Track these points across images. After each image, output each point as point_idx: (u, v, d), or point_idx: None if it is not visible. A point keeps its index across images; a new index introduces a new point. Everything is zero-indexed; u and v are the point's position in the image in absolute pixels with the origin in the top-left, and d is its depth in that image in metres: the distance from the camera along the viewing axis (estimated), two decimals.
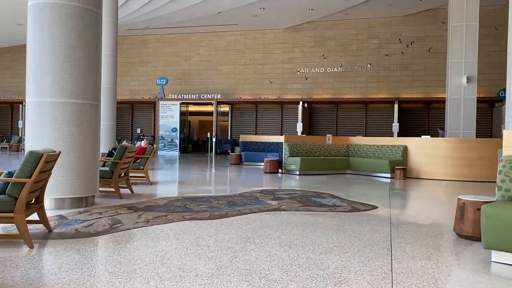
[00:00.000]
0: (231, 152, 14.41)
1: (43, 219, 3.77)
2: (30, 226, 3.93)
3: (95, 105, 5.19)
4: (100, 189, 6.35)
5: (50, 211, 4.76)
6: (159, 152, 20.78)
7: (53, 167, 3.69)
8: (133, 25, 20.54)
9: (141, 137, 22.87)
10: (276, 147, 12.48)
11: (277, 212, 5.05)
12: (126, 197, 5.98)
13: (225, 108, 22.34)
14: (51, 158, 3.49)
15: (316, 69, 20.95)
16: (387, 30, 20.13)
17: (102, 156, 6.81)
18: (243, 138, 13.86)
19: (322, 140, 11.37)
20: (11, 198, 3.20)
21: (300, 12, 18.75)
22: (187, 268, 2.83)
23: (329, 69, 20.78)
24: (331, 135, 11.43)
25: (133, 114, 23.80)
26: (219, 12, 18.56)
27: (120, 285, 2.48)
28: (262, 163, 12.17)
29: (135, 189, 6.83)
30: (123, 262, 2.95)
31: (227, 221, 4.47)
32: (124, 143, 7.65)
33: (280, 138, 11.40)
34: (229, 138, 22.03)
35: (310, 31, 20.96)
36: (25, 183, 3.16)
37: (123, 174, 6.36)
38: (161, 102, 20.98)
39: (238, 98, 21.12)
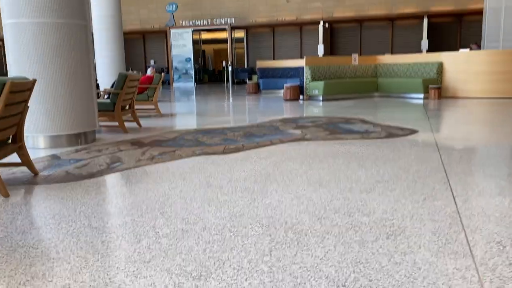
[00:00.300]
0: (248, 81, 13.54)
1: (26, 161, 3.18)
2: (13, 170, 3.37)
3: (82, 25, 4.40)
4: (103, 124, 5.75)
5: (44, 151, 4.20)
6: (174, 84, 20.04)
7: (27, 99, 3.02)
8: None
9: (148, 65, 22.06)
10: (297, 72, 11.55)
11: (301, 143, 4.37)
12: (133, 132, 5.38)
13: (240, 34, 21.04)
14: (21, 88, 2.81)
15: None
16: None
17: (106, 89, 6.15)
18: (260, 64, 12.91)
19: (347, 61, 10.36)
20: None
21: None
22: (192, 219, 2.22)
23: None
24: (357, 55, 10.39)
25: (145, 45, 22.78)
26: None
27: (102, 246, 1.88)
28: (282, 91, 11.36)
29: (144, 122, 6.22)
30: (113, 212, 2.35)
31: (244, 155, 3.82)
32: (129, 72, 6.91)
33: (300, 62, 10.44)
34: (245, 66, 20.99)
35: None
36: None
37: (127, 107, 5.71)
38: (172, 31, 19.83)
39: (253, 21, 19.74)
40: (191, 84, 19.84)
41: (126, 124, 5.86)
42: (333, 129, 5.20)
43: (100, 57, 11.35)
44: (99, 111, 5.09)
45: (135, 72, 7.69)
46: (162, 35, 21.72)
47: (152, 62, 22.40)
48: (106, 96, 6.55)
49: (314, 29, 19.39)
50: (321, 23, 18.32)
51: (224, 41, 21.56)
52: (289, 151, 3.95)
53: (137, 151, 4.07)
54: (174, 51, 20.00)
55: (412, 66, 9.82)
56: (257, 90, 12.59)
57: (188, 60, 19.92)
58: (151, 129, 5.57)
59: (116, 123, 5.40)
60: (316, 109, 7.93)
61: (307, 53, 19.90)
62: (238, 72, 20.13)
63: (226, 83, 19.77)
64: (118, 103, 5.14)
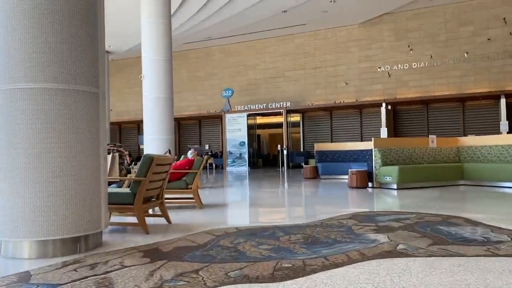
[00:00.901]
0: (305, 165, 12.24)
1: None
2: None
3: (93, 93, 3.39)
4: (120, 220, 4.55)
5: (27, 262, 2.99)
6: (228, 168, 19.20)
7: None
8: (195, 35, 19.37)
9: (208, 153, 21.56)
10: (360, 155, 10.14)
11: (395, 260, 2.84)
12: (157, 230, 4.11)
13: (296, 118, 20.28)
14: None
15: (399, 65, 18.22)
16: (483, 13, 16.93)
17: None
18: (319, 147, 11.67)
19: (422, 143, 8.82)
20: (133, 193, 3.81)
21: (377, 2, 16.27)
22: None
23: (414, 65, 17.95)
24: (435, 136, 8.85)
25: (201, 130, 22.61)
26: (284, 11, 16.69)
27: None
28: (344, 176, 9.89)
29: (177, 217, 4.96)
30: None
31: (306, 285, 2.36)
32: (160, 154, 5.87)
33: (366, 145, 9.09)
34: (301, 150, 19.89)
35: (389, 23, 18.35)
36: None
37: (155, 198, 4.52)
38: (227, 115, 19.48)
39: (310, 104, 18.96)
40: (245, 168, 18.89)
41: (153, 219, 4.62)
42: (433, 234, 3.62)
43: (149, 139, 10.68)
44: (113, 204, 3.92)
45: (168, 153, 6.81)
46: (218, 120, 21.48)
47: (206, 147, 21.99)
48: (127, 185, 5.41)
49: (375, 111, 18.20)
50: (384, 105, 17.12)
51: (279, 125, 20.86)
52: (381, 278, 2.43)
53: (144, 267, 2.74)
54: (229, 135, 19.46)
55: (507, 149, 8.09)
56: (315, 175, 11.21)
57: (242, 144, 19.21)
58: (181, 227, 4.28)
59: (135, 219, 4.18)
60: (393, 201, 6.34)
61: (367, 137, 18.52)
62: (293, 156, 19.01)
63: (281, 167, 18.62)
64: (140, 195, 3.95)
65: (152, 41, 10.76)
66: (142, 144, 23.83)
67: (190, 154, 6.34)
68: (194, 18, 15.59)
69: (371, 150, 8.34)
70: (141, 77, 10.73)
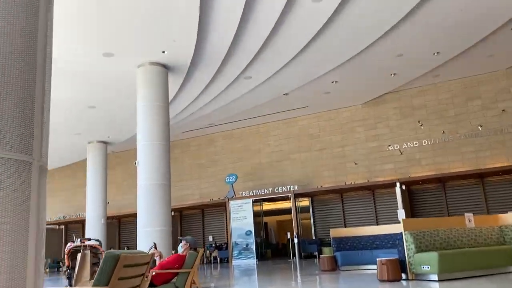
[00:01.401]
0: (321, 255, 10.88)
1: None
2: None
3: (23, 161, 2.42)
4: None
5: None
6: (234, 262, 17.60)
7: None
8: (196, 123, 19.01)
9: (212, 245, 20.03)
10: (384, 240, 8.89)
11: None
12: None
13: (305, 203, 19.13)
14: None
15: (409, 143, 17.51)
16: (491, 86, 16.61)
17: None
18: (336, 233, 10.43)
19: (457, 223, 7.64)
20: None
21: (380, 80, 16.03)
22: None
23: (425, 142, 17.24)
24: (471, 215, 7.69)
25: (204, 220, 21.33)
26: (285, 94, 16.42)
27: None
28: (368, 266, 8.55)
29: None
30: None
31: None
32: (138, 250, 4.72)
33: (391, 228, 7.93)
34: (313, 237, 18.43)
35: (394, 102, 18.01)
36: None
37: None
38: (231, 202, 18.36)
39: (319, 187, 17.92)
40: (253, 261, 17.29)
41: None
42: None
43: (143, 232, 9.51)
44: None
45: (153, 249, 5.63)
46: (221, 208, 20.33)
47: (210, 238, 20.54)
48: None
49: (388, 192, 17.13)
50: (398, 184, 16.07)
51: (287, 211, 19.63)
52: None
53: None
54: (234, 224, 18.15)
55: None
56: (334, 266, 9.80)
57: (248, 233, 17.83)
58: None
59: None
60: None
61: (383, 219, 17.22)
62: (305, 244, 17.50)
63: (292, 257, 17.04)
64: None
65: (147, 124, 10.12)
66: None
67: (180, 248, 5.19)
68: (193, 104, 15.22)
69: (400, 234, 7.14)
70: (135, 163, 9.91)
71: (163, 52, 9.81)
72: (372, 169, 17.82)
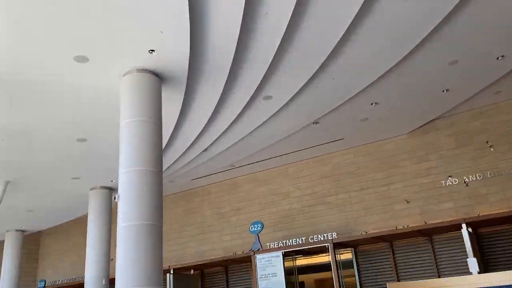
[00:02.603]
0: None
1: None
2: None
3: None
4: None
5: None
6: None
7: None
8: (214, 164, 16.63)
9: None
10: None
11: None
12: None
13: (347, 255, 15.84)
14: None
15: (470, 176, 14.32)
16: None
17: None
18: None
19: None
20: None
21: (429, 100, 13.30)
22: None
23: (490, 174, 14.02)
24: None
25: (228, 278, 18.25)
26: (315, 123, 13.89)
27: None
28: None
29: None
30: None
31: None
32: None
33: (499, 277, 4.92)
34: None
35: (447, 128, 15.07)
36: None
37: None
38: (257, 256, 15.36)
39: (363, 233, 14.72)
40: None
41: None
42: None
43: None
44: None
45: None
46: (247, 264, 17.29)
47: None
48: None
49: (450, 237, 13.82)
50: (464, 226, 12.74)
51: (326, 267, 16.30)
52: None
53: None
54: (262, 284, 15.03)
55: None
56: None
57: None
58: None
59: None
60: None
61: (445, 271, 13.70)
62: None
63: None
64: None
65: (133, 145, 7.73)
66: None
67: None
68: (204, 136, 12.86)
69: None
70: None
71: (151, 51, 7.61)
72: (427, 209, 14.60)
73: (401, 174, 15.41)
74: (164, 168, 15.00)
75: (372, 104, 13.04)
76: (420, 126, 15.34)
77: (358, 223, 15.60)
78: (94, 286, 14.06)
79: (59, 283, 21.05)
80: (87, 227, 15.17)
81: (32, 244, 23.90)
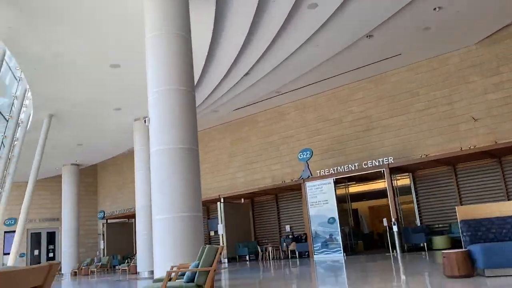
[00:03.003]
0: (444, 251, 6.83)
1: None
2: None
3: None
4: None
5: None
6: (315, 257, 14.02)
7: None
8: (261, 91, 15.65)
9: (289, 236, 16.61)
10: None
11: None
12: None
13: (404, 180, 14.84)
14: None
15: None
16: None
17: None
18: (465, 213, 6.34)
19: None
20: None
21: (499, 4, 11.23)
22: None
23: None
24: None
25: (279, 207, 17.99)
26: (368, 36, 12.34)
27: None
28: None
29: None
30: None
31: None
32: None
33: None
34: (419, 223, 14.12)
35: None
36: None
37: None
38: (307, 184, 14.74)
39: (423, 156, 13.51)
40: (340, 256, 13.56)
41: None
42: None
43: (157, 220, 6.38)
44: None
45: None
46: (297, 192, 16.80)
47: (287, 228, 17.14)
48: None
49: None
50: None
51: (381, 194, 15.50)
52: None
53: None
54: (313, 211, 14.53)
55: None
56: (469, 269, 5.77)
57: (332, 221, 14.10)
58: None
59: None
60: None
61: None
62: (408, 233, 13.27)
63: (392, 251, 12.99)
64: None
65: (161, 61, 6.89)
66: (214, 229, 19.78)
67: None
68: (243, 56, 11.75)
69: None
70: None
71: None
72: (497, 128, 13.01)
73: (468, 90, 13.71)
74: (204, 97, 14.28)
75: (435, 9, 11.23)
76: (490, 35, 13.29)
77: (417, 146, 14.35)
78: (144, 214, 14.22)
79: (116, 213, 21.92)
80: (134, 158, 15.15)
81: (90, 178, 24.87)
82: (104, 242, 21.15)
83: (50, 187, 23.03)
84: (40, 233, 22.62)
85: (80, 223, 22.64)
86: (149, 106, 6.81)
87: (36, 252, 22.37)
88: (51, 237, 22.73)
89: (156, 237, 6.34)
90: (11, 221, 21.51)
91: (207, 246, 3.93)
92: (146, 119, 6.61)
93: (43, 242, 22.61)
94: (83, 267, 18.13)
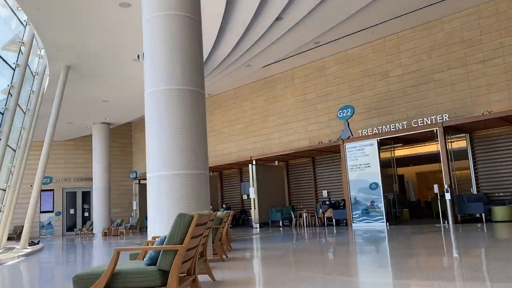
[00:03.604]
0: (485, 218, 5.26)
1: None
2: None
3: None
4: None
5: None
6: (354, 225, 12.69)
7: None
8: (298, 42, 13.98)
9: (326, 202, 15.29)
10: None
11: None
12: None
13: (460, 143, 12.97)
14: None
15: None
16: None
17: None
18: None
19: None
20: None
21: None
22: None
23: None
24: None
25: (315, 170, 16.62)
26: None
27: None
28: None
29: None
30: None
31: None
32: None
33: None
34: (475, 191, 12.35)
35: None
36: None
37: None
38: (346, 145, 13.21)
39: (484, 113, 11.54)
40: (382, 225, 12.16)
41: None
42: None
43: (152, 177, 5.25)
44: None
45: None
46: (337, 156, 15.31)
47: (324, 194, 15.80)
48: None
49: None
50: None
51: (432, 158, 13.75)
52: None
53: None
54: (353, 175, 13.09)
55: None
56: None
57: (374, 187, 12.62)
58: None
59: None
60: None
61: None
62: (461, 202, 11.56)
63: (443, 221, 11.39)
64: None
65: None
66: (246, 193, 18.82)
67: None
68: (293, 7, 10.08)
69: None
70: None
71: None
72: None
73: None
74: (233, 44, 12.78)
75: None
76: None
77: (477, 103, 12.37)
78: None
79: None
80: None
81: (126, 139, 24.45)
82: (136, 202, 20.80)
83: (85, 147, 22.81)
84: (75, 192, 22.62)
85: (115, 184, 22.40)
86: (143, 37, 5.54)
87: (72, 211, 22.44)
88: (86, 197, 22.69)
89: (151, 196, 5.21)
90: (47, 180, 21.53)
91: (179, 214, 2.68)
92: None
93: (78, 201, 22.63)
94: (112, 228, 17.80)
